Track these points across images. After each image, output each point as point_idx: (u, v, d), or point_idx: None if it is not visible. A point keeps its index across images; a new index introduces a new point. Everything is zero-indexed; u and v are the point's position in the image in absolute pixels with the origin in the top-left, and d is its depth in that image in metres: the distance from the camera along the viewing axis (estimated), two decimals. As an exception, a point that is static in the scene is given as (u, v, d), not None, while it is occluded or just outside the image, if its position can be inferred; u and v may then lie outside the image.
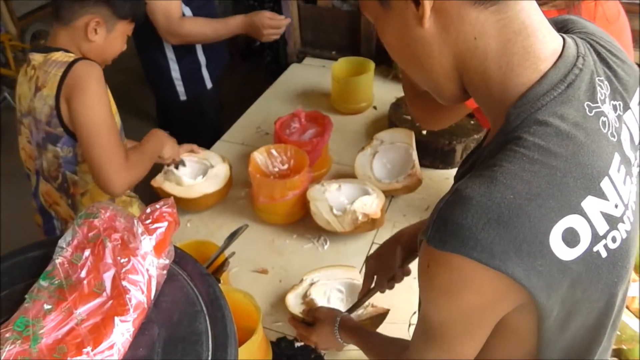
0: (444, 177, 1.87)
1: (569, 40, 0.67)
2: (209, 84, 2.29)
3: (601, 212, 0.61)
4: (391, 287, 1.25)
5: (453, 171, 1.87)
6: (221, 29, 2.09)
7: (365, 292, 1.27)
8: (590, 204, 0.60)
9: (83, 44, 1.46)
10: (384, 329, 1.32)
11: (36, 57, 1.46)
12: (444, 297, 0.65)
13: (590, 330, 0.70)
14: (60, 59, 1.41)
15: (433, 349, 0.74)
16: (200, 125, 2.27)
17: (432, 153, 1.88)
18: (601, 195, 0.61)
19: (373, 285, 1.25)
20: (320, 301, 1.37)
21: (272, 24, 2.12)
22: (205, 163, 1.86)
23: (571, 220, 0.58)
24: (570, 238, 0.59)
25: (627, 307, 1.28)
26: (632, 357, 1.22)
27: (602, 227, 0.61)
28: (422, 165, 1.79)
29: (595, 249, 0.61)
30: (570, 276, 0.60)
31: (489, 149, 0.65)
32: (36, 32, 4.91)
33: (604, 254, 0.62)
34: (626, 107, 0.70)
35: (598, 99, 0.65)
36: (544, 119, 0.61)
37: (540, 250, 0.58)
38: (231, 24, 2.09)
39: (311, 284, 1.42)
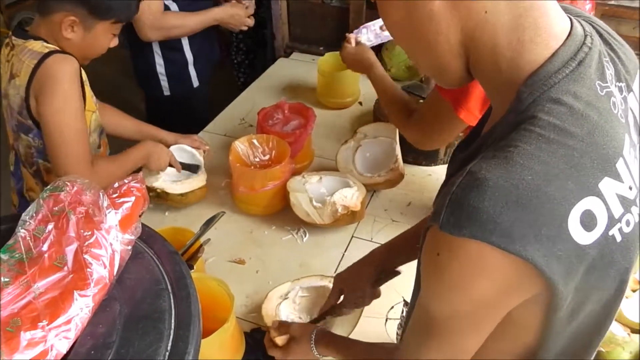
0: (427, 174, 1.86)
1: (574, 20, 0.65)
2: (195, 83, 2.24)
3: (617, 194, 0.59)
4: (359, 307, 1.24)
5: (436, 168, 1.87)
6: (204, 21, 2.08)
7: (328, 309, 1.24)
8: (606, 185, 0.58)
9: (60, 39, 1.40)
10: (361, 323, 1.31)
11: (18, 42, 1.41)
12: (455, 287, 0.61)
13: (596, 318, 0.68)
14: (36, 49, 1.36)
15: (434, 347, 0.69)
16: (187, 121, 2.21)
17: (415, 149, 1.83)
18: (617, 176, 0.59)
19: (339, 302, 1.23)
20: (285, 313, 1.36)
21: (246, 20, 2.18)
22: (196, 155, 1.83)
23: (589, 203, 0.56)
24: (588, 221, 0.56)
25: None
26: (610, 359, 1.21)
27: (617, 209, 0.59)
28: (405, 161, 1.78)
29: (610, 233, 0.59)
30: (586, 261, 0.58)
31: (499, 130, 0.62)
32: (22, 20, 4.84)
33: (618, 238, 0.60)
34: (629, 90, 0.69)
35: (607, 79, 0.63)
36: (557, 97, 0.58)
37: (559, 234, 0.55)
38: (208, 17, 2.10)
39: (284, 298, 1.39)
